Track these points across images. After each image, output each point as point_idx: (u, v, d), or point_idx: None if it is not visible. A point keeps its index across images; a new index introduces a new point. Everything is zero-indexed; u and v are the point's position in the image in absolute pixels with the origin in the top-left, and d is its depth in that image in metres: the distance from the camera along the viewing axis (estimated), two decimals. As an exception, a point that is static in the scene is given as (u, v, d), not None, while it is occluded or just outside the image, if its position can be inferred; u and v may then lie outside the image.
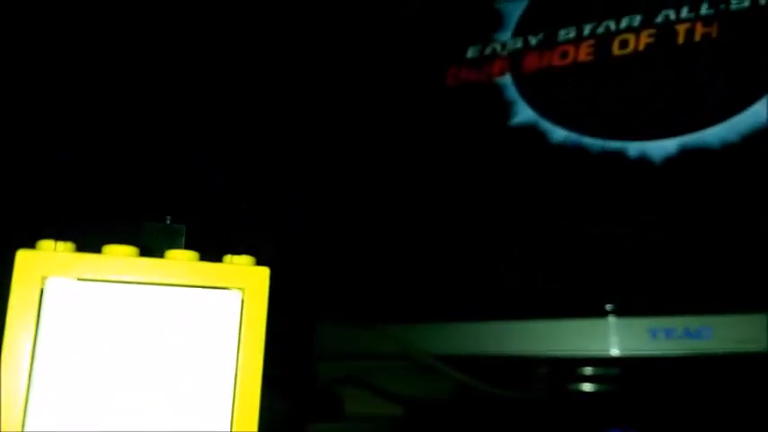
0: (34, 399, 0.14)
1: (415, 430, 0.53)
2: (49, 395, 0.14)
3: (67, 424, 0.14)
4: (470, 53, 0.55)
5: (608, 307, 0.47)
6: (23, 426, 0.14)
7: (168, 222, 0.20)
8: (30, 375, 0.14)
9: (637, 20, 0.49)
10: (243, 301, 0.16)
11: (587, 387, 0.54)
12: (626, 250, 0.48)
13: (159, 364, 0.15)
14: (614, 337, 0.46)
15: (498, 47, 0.54)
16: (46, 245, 0.15)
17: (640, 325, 0.46)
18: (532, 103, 0.52)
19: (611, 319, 0.46)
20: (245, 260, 0.17)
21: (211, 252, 0.17)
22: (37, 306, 0.14)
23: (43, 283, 0.14)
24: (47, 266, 0.14)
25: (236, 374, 0.16)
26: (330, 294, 0.60)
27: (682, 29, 0.48)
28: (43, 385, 0.14)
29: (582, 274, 0.48)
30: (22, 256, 0.14)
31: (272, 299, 0.17)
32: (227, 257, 0.17)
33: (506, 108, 0.53)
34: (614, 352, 0.46)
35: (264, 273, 0.17)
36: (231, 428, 0.16)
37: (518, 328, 0.50)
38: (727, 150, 0.45)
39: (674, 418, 0.46)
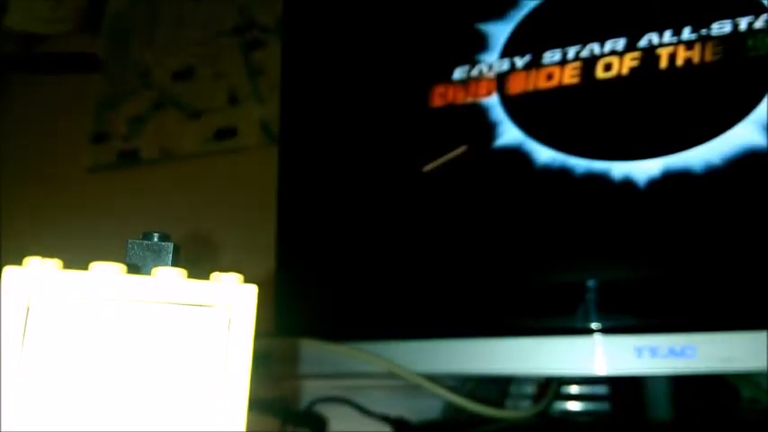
0: (21, 418, 0.14)
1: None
2: (35, 414, 0.14)
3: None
4: (457, 74, 0.56)
5: (594, 325, 0.47)
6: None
7: (156, 240, 0.20)
8: (17, 394, 0.14)
9: (621, 43, 0.50)
10: (230, 320, 0.16)
11: (574, 405, 0.54)
12: (612, 270, 0.49)
13: (146, 382, 0.15)
14: (600, 356, 0.46)
15: (485, 68, 0.55)
16: (33, 262, 0.15)
17: (626, 343, 0.46)
18: (519, 124, 0.53)
19: (597, 337, 0.47)
20: (232, 278, 0.17)
21: (199, 270, 0.17)
22: (23, 324, 0.14)
23: (29, 300, 0.14)
24: (34, 284, 0.14)
25: (222, 393, 0.16)
26: (314, 312, 0.60)
27: (665, 53, 0.49)
28: (29, 404, 0.14)
29: (567, 293, 0.49)
30: (9, 274, 0.14)
31: (260, 317, 0.17)
32: (215, 275, 0.17)
33: (492, 128, 0.53)
34: (600, 370, 0.46)
35: (252, 291, 0.17)
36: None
37: (504, 346, 0.50)
38: (710, 173, 0.46)
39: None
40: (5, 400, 0.14)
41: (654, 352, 0.46)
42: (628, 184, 0.48)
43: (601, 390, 0.54)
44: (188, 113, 0.91)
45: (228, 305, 0.16)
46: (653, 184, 0.47)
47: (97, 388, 0.15)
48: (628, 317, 0.48)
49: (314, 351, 0.56)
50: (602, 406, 0.54)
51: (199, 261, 0.18)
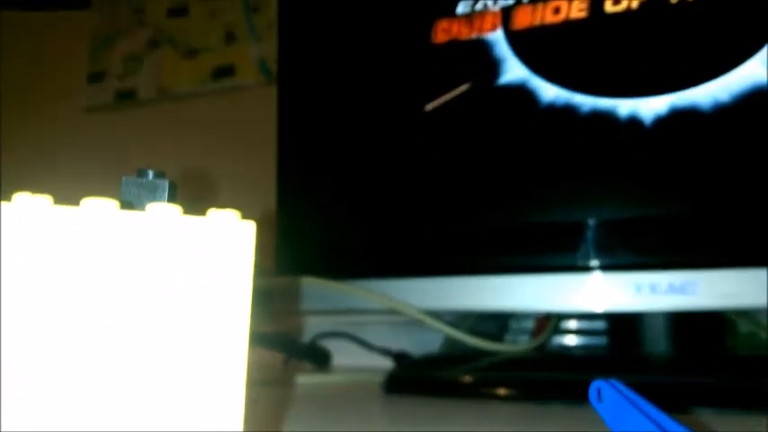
0: (21, 359, 0.14)
1: (401, 382, 0.54)
2: (34, 354, 0.14)
3: (54, 374, 0.14)
4: (461, 8, 0.54)
5: (594, 262, 0.47)
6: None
7: (150, 177, 0.19)
8: (15, 334, 0.14)
9: (630, -27, 0.48)
10: (228, 257, 0.16)
11: (572, 340, 0.55)
12: (613, 207, 0.48)
13: (142, 321, 0.15)
14: (599, 292, 0.47)
15: (490, 1, 0.53)
16: (22, 198, 0.14)
17: (625, 280, 0.46)
18: (524, 60, 0.51)
19: (596, 274, 0.47)
20: (230, 214, 0.16)
21: (196, 210, 0.17)
22: (17, 263, 0.14)
23: (21, 239, 0.14)
24: (25, 221, 0.14)
25: (222, 330, 0.16)
26: (315, 251, 0.60)
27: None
28: (27, 345, 0.14)
29: (568, 231, 0.49)
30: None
31: (259, 254, 0.17)
32: (211, 212, 0.16)
33: (497, 65, 0.52)
34: (599, 307, 0.47)
35: (250, 227, 0.16)
36: (218, 379, 0.16)
37: (504, 283, 0.50)
38: (718, 110, 0.45)
39: (657, 371, 0.47)
40: (5, 341, 0.14)
41: (653, 288, 0.46)
42: (634, 121, 0.47)
43: (599, 325, 0.55)
44: (184, 52, 0.90)
45: (226, 242, 0.16)
46: (660, 121, 0.46)
47: (93, 327, 0.15)
48: (627, 254, 0.48)
49: (316, 288, 0.57)
50: (600, 341, 0.54)
51: (196, 201, 0.17)
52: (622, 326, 0.51)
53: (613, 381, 0.22)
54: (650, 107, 0.47)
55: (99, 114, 0.95)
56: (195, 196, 0.18)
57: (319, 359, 0.63)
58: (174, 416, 0.15)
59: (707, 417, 0.36)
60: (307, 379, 0.59)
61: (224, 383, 0.16)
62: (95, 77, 0.95)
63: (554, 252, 0.49)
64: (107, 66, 0.94)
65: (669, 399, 0.22)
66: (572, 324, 0.56)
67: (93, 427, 0.14)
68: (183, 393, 0.15)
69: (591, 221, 0.48)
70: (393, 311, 0.54)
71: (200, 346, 0.16)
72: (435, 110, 0.54)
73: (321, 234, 0.59)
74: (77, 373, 0.14)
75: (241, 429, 0.16)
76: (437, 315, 0.54)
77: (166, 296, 0.15)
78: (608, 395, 0.21)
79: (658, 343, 0.50)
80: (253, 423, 0.17)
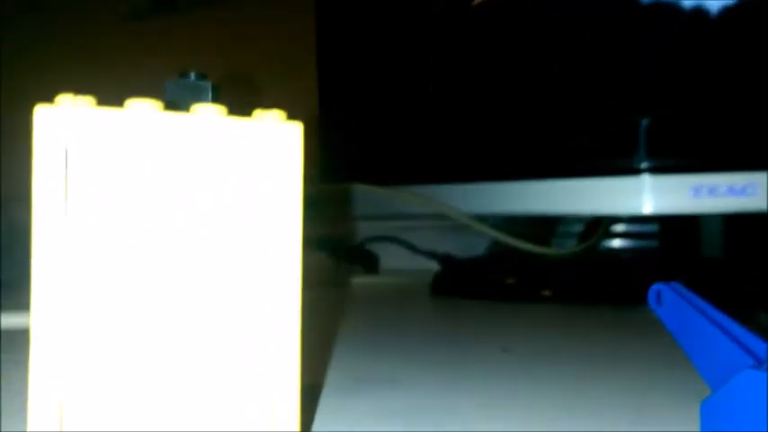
0: (73, 269, 0.14)
1: (447, 283, 0.54)
2: (88, 263, 0.14)
3: (114, 290, 0.14)
4: None
5: (651, 164, 0.45)
6: (66, 298, 0.14)
7: (193, 79, 0.18)
8: (66, 246, 0.14)
9: None
10: (276, 159, 0.16)
11: (622, 243, 0.54)
12: (670, 107, 0.46)
13: (193, 221, 0.15)
14: (655, 195, 0.45)
15: None
16: (66, 100, 0.14)
17: (682, 182, 0.45)
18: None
19: (653, 177, 0.45)
20: (276, 115, 0.16)
21: (239, 113, 0.16)
22: (63, 168, 0.14)
23: (66, 141, 0.14)
24: (69, 123, 0.14)
25: (273, 233, 0.16)
26: (361, 158, 0.59)
27: None
28: (81, 255, 0.14)
29: (622, 130, 0.47)
30: (42, 113, 0.13)
31: (308, 156, 0.16)
32: (257, 112, 0.16)
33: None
34: (657, 209, 0.45)
35: (298, 128, 0.16)
36: (274, 281, 0.16)
37: (552, 187, 0.49)
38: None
39: (716, 275, 0.46)
40: (56, 249, 0.14)
41: (712, 191, 0.44)
42: (698, 11, 0.43)
43: (650, 228, 0.53)
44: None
45: (273, 143, 0.16)
46: (726, 12, 0.43)
47: (144, 233, 0.15)
48: (684, 155, 0.46)
49: (364, 195, 0.57)
50: (652, 243, 0.53)
51: (239, 104, 0.17)
52: (676, 229, 0.50)
53: (675, 283, 0.21)
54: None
55: (139, 21, 0.94)
56: (238, 100, 0.18)
57: (368, 262, 0.64)
58: (230, 320, 0.15)
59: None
60: (357, 281, 0.61)
61: (280, 285, 0.16)
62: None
63: (605, 154, 0.48)
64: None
65: (727, 303, 0.21)
66: (622, 227, 0.54)
67: (153, 336, 0.15)
68: (238, 296, 0.15)
69: (645, 121, 0.46)
70: (440, 216, 0.54)
71: (254, 247, 0.15)
72: (484, 3, 0.51)
73: (367, 140, 0.58)
74: (124, 281, 0.15)
75: (298, 330, 0.16)
76: (484, 220, 0.53)
77: (216, 198, 0.15)
78: (669, 298, 0.21)
79: (714, 246, 0.48)
80: (308, 324, 0.17)
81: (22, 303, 0.38)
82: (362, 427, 0.20)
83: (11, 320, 0.36)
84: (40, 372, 0.14)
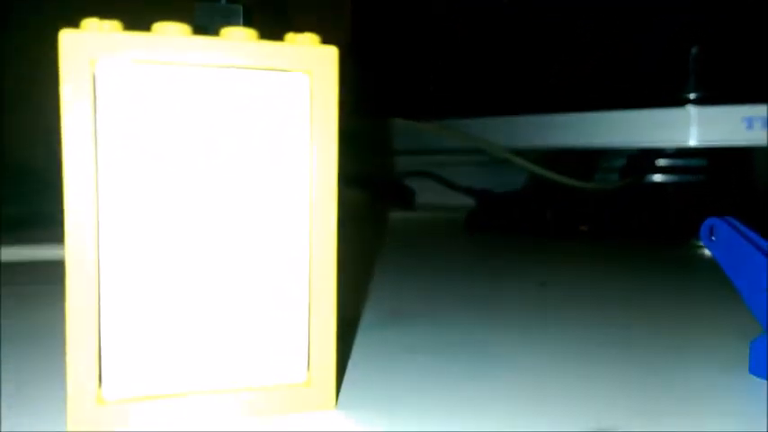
0: (105, 196, 0.14)
1: (484, 219, 0.54)
2: (119, 189, 0.14)
3: (142, 213, 0.14)
4: None
5: (697, 94, 0.43)
6: (98, 227, 0.14)
7: (223, 1, 0.18)
8: (96, 169, 0.13)
9: None
10: (311, 85, 0.15)
11: (674, 179, 0.52)
12: (721, 35, 0.43)
13: (225, 153, 0.14)
14: (704, 127, 0.43)
15: None
16: (92, 24, 0.13)
17: (734, 113, 0.42)
18: None
19: (701, 108, 0.43)
20: (310, 39, 0.15)
21: (272, 35, 0.16)
22: (92, 93, 0.13)
23: (94, 66, 0.13)
24: (95, 48, 0.13)
25: (309, 168, 0.15)
26: (400, 89, 0.58)
27: None
28: (112, 179, 0.14)
29: (670, 58, 0.44)
30: (68, 38, 0.13)
31: (342, 86, 0.16)
32: (290, 36, 0.15)
33: None
34: (709, 141, 0.43)
35: (333, 52, 0.15)
36: (309, 216, 0.15)
37: (594, 119, 0.47)
38: None
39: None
40: (88, 180, 0.13)
41: (766, 123, 0.42)
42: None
43: (698, 162, 0.51)
44: None
45: (308, 68, 0.15)
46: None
47: (178, 160, 0.14)
48: (737, 86, 0.43)
49: (401, 129, 0.56)
50: (699, 178, 0.51)
51: (270, 30, 0.16)
52: (725, 163, 0.48)
53: (729, 218, 0.20)
54: None
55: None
56: (268, 25, 0.17)
57: (405, 198, 0.64)
58: (266, 253, 0.15)
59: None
60: (393, 217, 0.60)
61: (316, 220, 0.15)
62: None
63: (651, 84, 0.45)
64: None
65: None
66: (666, 162, 0.52)
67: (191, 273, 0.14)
68: (274, 231, 0.15)
69: (695, 49, 0.43)
70: (478, 151, 0.53)
71: (288, 180, 0.15)
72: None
73: (403, 71, 0.57)
74: (156, 210, 0.14)
75: (334, 265, 0.16)
76: (522, 155, 0.52)
77: (247, 127, 0.14)
78: (723, 233, 0.20)
79: (766, 180, 0.46)
80: (345, 259, 0.17)
81: (22, 238, 0.39)
82: (399, 360, 0.20)
83: (11, 253, 0.36)
84: (76, 310, 0.14)
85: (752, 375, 0.19)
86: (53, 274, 0.21)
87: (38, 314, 0.25)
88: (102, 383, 0.14)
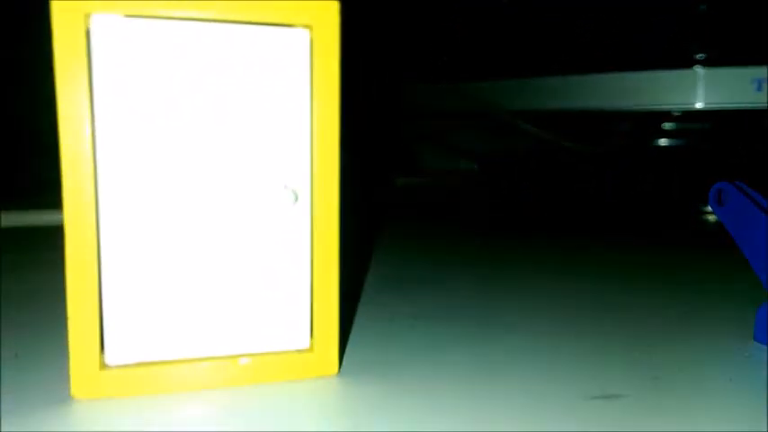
0: (102, 156, 0.13)
1: (488, 184, 0.53)
2: (116, 148, 0.13)
3: (141, 173, 0.14)
4: None
5: (704, 55, 0.42)
6: (96, 189, 0.13)
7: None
8: (92, 128, 0.13)
9: None
10: (312, 41, 0.14)
11: (684, 142, 0.51)
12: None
13: (223, 110, 0.14)
14: (710, 89, 0.42)
15: None
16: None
17: (742, 75, 0.42)
18: None
19: (710, 70, 0.42)
20: (310, -7, 0.14)
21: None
22: (86, 50, 0.13)
23: (87, 21, 0.13)
24: (89, 2, 0.12)
25: (310, 128, 0.15)
26: (407, 52, 0.57)
27: None
28: (109, 138, 0.13)
29: (678, 20, 0.43)
30: (59, -8, 0.12)
31: (344, 43, 0.15)
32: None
33: None
34: (715, 104, 0.42)
35: (334, 7, 0.14)
36: (311, 181, 0.15)
37: (598, 81, 0.46)
38: None
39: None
40: (84, 140, 0.13)
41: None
42: None
43: (706, 126, 0.51)
44: None
45: (308, 23, 0.14)
46: None
47: (175, 118, 0.14)
48: (746, 47, 0.42)
49: (406, 92, 0.55)
50: (706, 144, 0.51)
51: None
52: (732, 126, 0.47)
53: (738, 182, 0.20)
54: None
55: None
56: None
57: (409, 162, 0.63)
58: (267, 214, 0.15)
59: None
60: (397, 181, 0.60)
61: (318, 181, 0.15)
62: None
63: (655, 44, 0.44)
64: None
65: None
66: (671, 125, 0.51)
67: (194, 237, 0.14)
68: (277, 191, 0.15)
69: (703, 9, 0.42)
70: (482, 114, 0.52)
71: (290, 139, 0.15)
72: None
73: (408, 34, 0.56)
74: (155, 163, 0.14)
75: (337, 227, 0.15)
76: (527, 118, 0.51)
77: (245, 81, 0.14)
78: (732, 197, 0.19)
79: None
80: (349, 223, 0.16)
81: (21, 203, 0.38)
82: (404, 324, 0.20)
83: (10, 219, 0.36)
84: (76, 276, 0.13)
85: (756, 342, 0.19)
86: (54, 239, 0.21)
87: (39, 280, 0.25)
88: (105, 349, 0.14)
